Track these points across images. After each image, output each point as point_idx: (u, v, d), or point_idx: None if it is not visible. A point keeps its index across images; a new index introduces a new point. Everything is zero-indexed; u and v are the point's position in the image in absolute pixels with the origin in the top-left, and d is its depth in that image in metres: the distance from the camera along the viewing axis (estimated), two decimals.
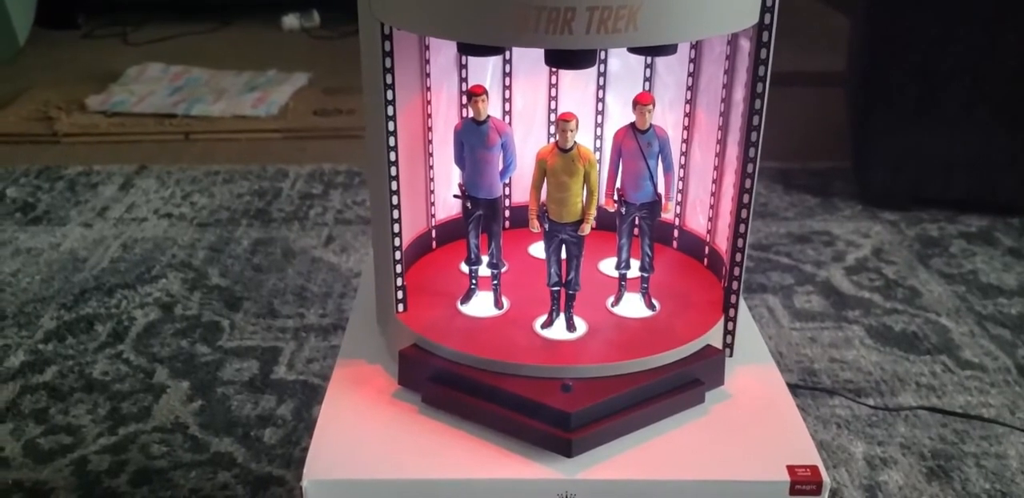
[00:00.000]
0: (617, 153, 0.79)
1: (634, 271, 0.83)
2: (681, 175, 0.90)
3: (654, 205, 0.80)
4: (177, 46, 2.95)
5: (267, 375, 1.32)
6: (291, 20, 3.15)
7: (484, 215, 0.80)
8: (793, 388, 0.98)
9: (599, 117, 0.94)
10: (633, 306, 0.83)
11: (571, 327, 0.79)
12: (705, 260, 0.91)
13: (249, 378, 1.31)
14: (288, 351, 1.37)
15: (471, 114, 0.78)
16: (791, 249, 1.69)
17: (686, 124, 0.89)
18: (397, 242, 0.80)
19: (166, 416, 1.23)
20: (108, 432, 1.20)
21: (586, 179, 0.75)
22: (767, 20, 0.71)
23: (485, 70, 0.91)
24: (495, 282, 0.83)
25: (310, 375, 1.31)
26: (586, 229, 0.76)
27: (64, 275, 1.59)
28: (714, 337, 0.81)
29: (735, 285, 0.81)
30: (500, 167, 0.80)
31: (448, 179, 0.92)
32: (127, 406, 1.25)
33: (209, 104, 2.37)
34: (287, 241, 1.72)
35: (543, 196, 0.77)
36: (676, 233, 0.93)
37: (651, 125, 0.77)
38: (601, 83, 0.93)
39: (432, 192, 0.91)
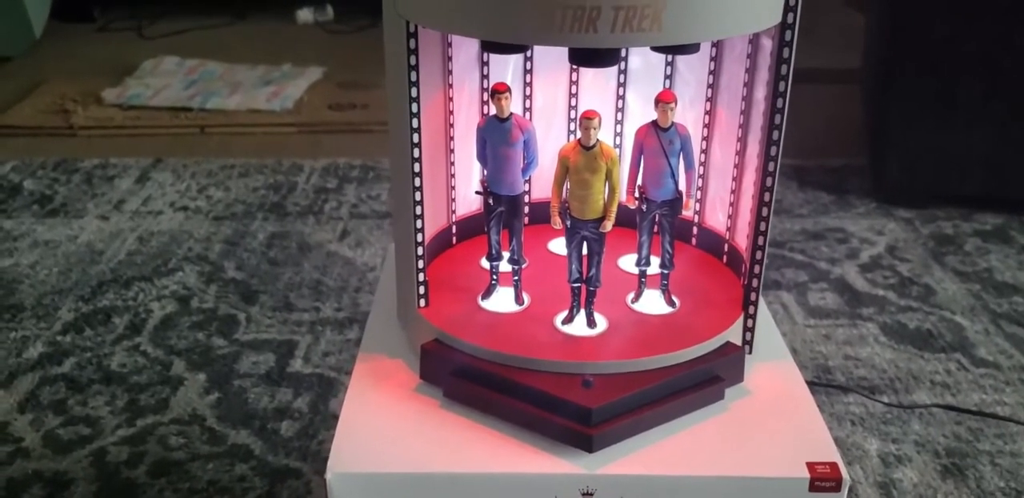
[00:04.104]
0: (639, 151, 0.79)
1: (654, 268, 0.84)
2: (701, 173, 0.91)
3: (675, 202, 0.80)
4: (192, 40, 2.96)
5: (283, 368, 1.32)
6: (305, 14, 3.15)
7: (506, 211, 0.81)
8: (808, 385, 0.98)
9: (619, 114, 0.95)
10: (653, 303, 0.83)
11: (591, 323, 0.80)
12: (724, 258, 0.91)
13: (266, 371, 1.32)
14: (304, 344, 1.38)
15: (493, 111, 0.78)
16: (805, 246, 1.69)
17: (706, 122, 0.89)
18: (419, 238, 0.80)
19: (183, 408, 1.24)
20: (126, 424, 1.21)
21: (608, 176, 0.76)
22: (790, 19, 0.71)
23: (506, 67, 0.91)
24: (516, 278, 0.83)
25: (326, 368, 1.32)
26: (607, 226, 0.77)
27: (81, 267, 1.60)
28: (734, 334, 0.81)
29: (755, 282, 0.81)
30: (522, 164, 0.80)
31: (468, 175, 0.93)
32: (145, 398, 1.26)
33: (224, 98, 2.37)
34: (302, 235, 1.72)
35: (565, 193, 0.78)
36: (695, 231, 0.94)
37: (673, 123, 0.78)
38: (621, 81, 0.93)
39: (453, 188, 0.92)
